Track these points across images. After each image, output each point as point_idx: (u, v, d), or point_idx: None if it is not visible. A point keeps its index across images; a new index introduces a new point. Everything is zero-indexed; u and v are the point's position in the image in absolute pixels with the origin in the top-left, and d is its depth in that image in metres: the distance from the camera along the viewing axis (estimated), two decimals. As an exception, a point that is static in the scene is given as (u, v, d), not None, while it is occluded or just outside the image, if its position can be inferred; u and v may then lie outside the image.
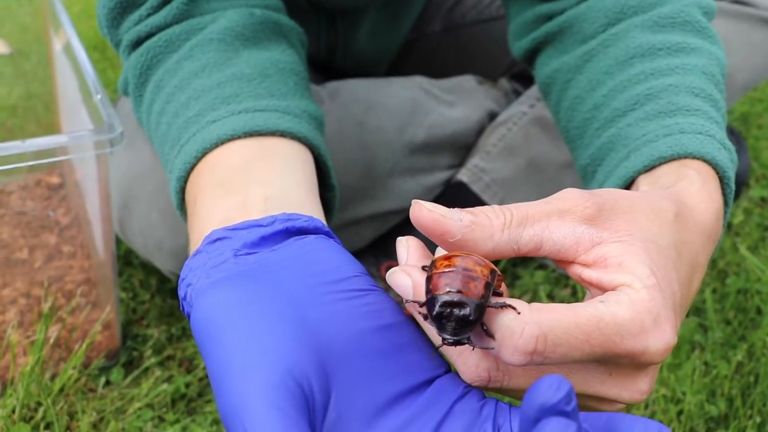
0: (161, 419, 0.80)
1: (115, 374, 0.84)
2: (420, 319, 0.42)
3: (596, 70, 0.62)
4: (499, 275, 0.40)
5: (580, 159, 0.63)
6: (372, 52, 1.04)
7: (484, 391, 0.43)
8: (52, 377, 0.82)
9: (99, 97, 0.73)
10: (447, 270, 0.38)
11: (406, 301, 0.41)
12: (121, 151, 0.86)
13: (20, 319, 0.86)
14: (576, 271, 0.42)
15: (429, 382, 0.42)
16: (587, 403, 0.43)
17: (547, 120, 0.98)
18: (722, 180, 0.52)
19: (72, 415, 0.79)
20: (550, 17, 0.67)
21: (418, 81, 1.00)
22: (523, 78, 1.09)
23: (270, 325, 0.40)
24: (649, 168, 0.53)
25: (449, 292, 0.38)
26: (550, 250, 0.42)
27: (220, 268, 0.44)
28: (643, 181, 0.53)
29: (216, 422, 0.79)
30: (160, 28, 0.61)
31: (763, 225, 1.11)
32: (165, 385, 0.82)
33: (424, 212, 0.40)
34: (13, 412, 0.77)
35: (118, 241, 0.97)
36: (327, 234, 0.48)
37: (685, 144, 0.52)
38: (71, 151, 0.69)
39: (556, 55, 0.66)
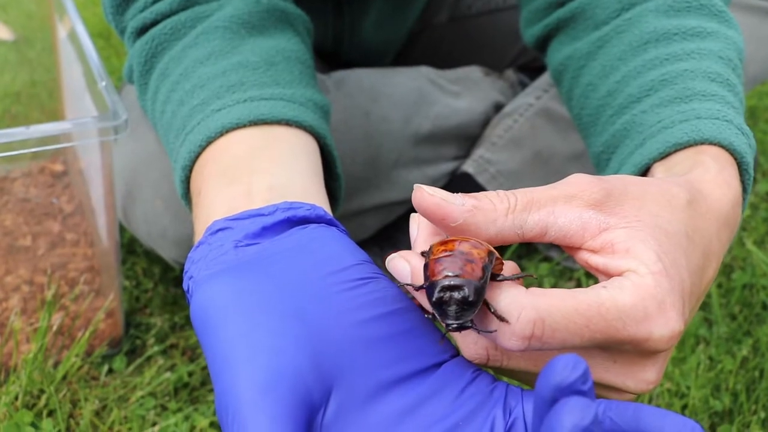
0: (164, 408, 0.80)
1: (118, 362, 0.84)
2: (423, 301, 0.41)
3: (610, 56, 0.60)
4: (497, 258, 0.39)
5: (593, 146, 0.62)
6: (378, 42, 1.03)
7: (494, 375, 0.43)
8: (55, 365, 0.82)
9: (103, 84, 0.72)
10: (444, 255, 0.38)
11: (403, 285, 0.41)
12: (125, 138, 0.85)
13: (23, 306, 0.86)
14: (583, 257, 0.42)
15: (437, 366, 0.42)
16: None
17: (554, 111, 0.98)
18: (740, 166, 0.51)
19: (75, 403, 0.79)
20: (562, 3, 0.66)
21: (424, 71, 1.00)
22: (529, 69, 1.09)
23: (266, 319, 0.40)
24: (665, 155, 0.52)
25: (447, 276, 0.37)
26: (555, 236, 0.41)
27: (220, 260, 0.43)
28: (659, 169, 0.52)
29: (218, 412, 0.79)
30: (166, 16, 0.61)
31: (770, 219, 1.11)
32: (168, 374, 0.82)
33: (426, 196, 0.40)
34: (16, 399, 0.77)
35: (122, 229, 0.97)
36: (329, 222, 0.48)
37: (701, 130, 0.51)
38: (75, 138, 0.69)
39: (569, 41, 0.65)
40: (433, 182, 0.98)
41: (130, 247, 1.00)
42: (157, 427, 0.77)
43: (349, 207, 0.91)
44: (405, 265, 0.41)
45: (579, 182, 0.42)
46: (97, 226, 0.87)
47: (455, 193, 0.40)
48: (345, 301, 0.41)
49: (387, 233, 0.99)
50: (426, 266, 0.39)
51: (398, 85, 0.96)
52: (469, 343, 0.41)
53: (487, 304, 0.38)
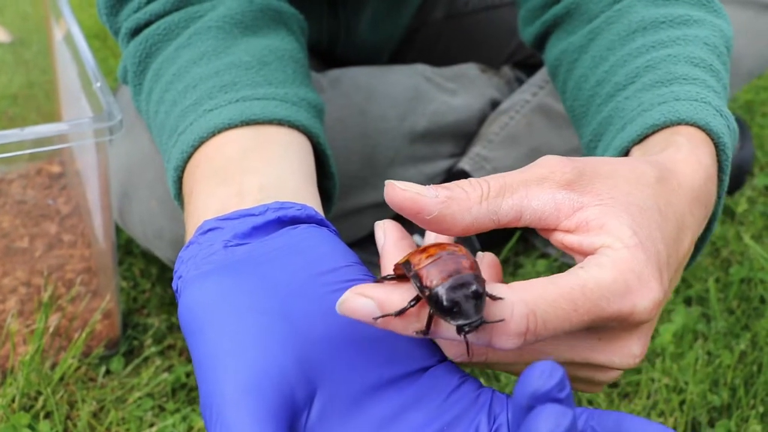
0: (161, 408, 0.80)
1: (116, 363, 0.84)
2: (399, 328, 0.38)
3: (600, 47, 0.61)
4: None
5: (583, 137, 0.62)
6: (374, 40, 1.03)
7: (481, 382, 0.43)
8: (52, 366, 0.82)
9: (98, 85, 0.72)
10: (431, 261, 0.37)
11: (378, 318, 0.37)
12: (120, 139, 0.85)
13: (20, 307, 0.86)
14: (558, 238, 0.42)
15: (423, 370, 0.42)
16: (578, 372, 0.42)
17: (550, 108, 0.98)
18: (717, 146, 0.50)
19: (72, 405, 0.79)
20: (557, 0, 0.66)
21: (420, 69, 1.00)
22: (526, 66, 1.08)
23: (252, 319, 0.40)
24: (643, 137, 0.52)
25: (450, 276, 0.36)
26: (530, 219, 0.41)
27: (209, 260, 0.43)
28: (636, 152, 0.52)
29: (216, 411, 0.79)
30: (159, 16, 0.61)
31: (767, 214, 1.11)
32: (165, 375, 0.82)
33: (398, 191, 0.39)
34: (13, 401, 0.77)
35: (119, 230, 0.97)
36: (320, 223, 0.47)
37: (678, 110, 0.51)
38: (70, 139, 0.69)
39: (564, 36, 0.65)
40: (429, 180, 0.98)
41: (127, 248, 1.00)
42: (154, 428, 0.77)
43: (345, 206, 0.91)
44: (365, 301, 0.38)
45: (550, 163, 0.42)
46: (93, 227, 0.87)
47: (427, 185, 0.40)
48: (333, 303, 0.41)
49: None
50: (416, 277, 0.37)
51: (394, 83, 0.96)
52: (452, 342, 0.40)
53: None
